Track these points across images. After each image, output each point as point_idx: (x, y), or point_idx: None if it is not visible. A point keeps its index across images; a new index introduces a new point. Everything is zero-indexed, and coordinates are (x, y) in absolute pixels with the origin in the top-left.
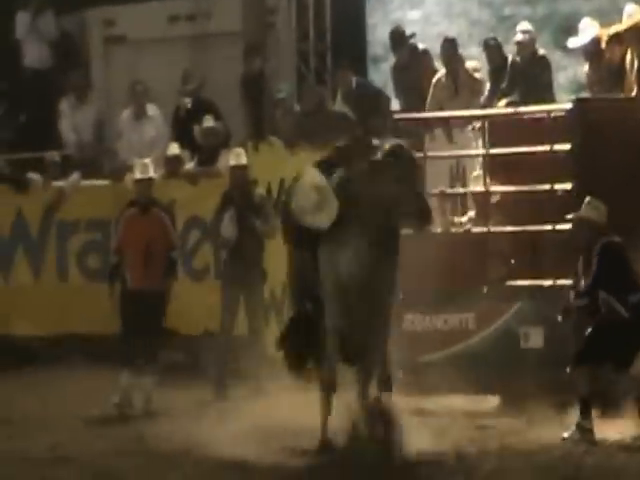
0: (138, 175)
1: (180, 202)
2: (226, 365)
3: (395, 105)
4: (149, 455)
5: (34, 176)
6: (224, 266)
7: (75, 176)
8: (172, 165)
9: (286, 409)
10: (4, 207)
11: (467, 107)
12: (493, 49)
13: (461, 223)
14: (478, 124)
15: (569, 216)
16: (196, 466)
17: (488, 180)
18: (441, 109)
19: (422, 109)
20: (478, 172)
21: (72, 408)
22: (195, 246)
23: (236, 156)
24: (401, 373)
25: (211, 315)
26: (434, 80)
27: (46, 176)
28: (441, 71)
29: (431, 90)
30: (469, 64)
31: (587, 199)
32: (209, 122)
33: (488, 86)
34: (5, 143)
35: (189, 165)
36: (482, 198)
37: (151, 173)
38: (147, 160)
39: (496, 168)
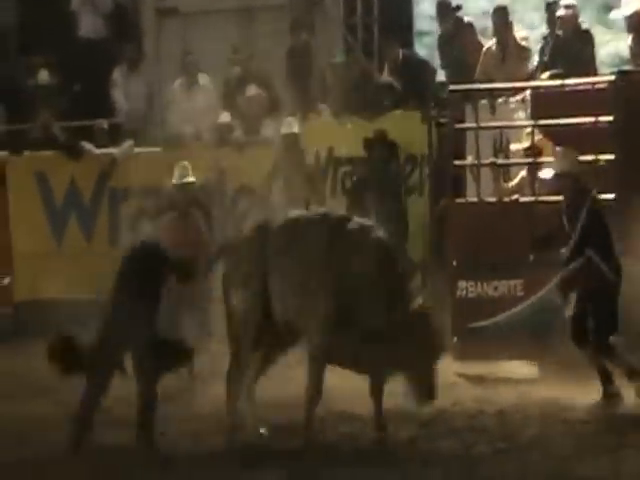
0: (177, 179)
1: (229, 170)
2: None
3: (440, 77)
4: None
5: (87, 144)
6: None
7: (127, 144)
8: (222, 134)
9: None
10: (58, 174)
11: (514, 76)
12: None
13: (509, 189)
14: (524, 95)
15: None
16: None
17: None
18: (489, 78)
19: (466, 81)
20: (524, 142)
21: None
22: (244, 214)
23: (288, 125)
24: (454, 339)
25: None
26: (484, 49)
27: (97, 144)
28: (491, 40)
29: (481, 59)
30: (518, 33)
31: (559, 150)
32: (253, 91)
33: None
34: (60, 111)
35: (238, 134)
36: (530, 168)
37: (191, 177)
38: (186, 163)
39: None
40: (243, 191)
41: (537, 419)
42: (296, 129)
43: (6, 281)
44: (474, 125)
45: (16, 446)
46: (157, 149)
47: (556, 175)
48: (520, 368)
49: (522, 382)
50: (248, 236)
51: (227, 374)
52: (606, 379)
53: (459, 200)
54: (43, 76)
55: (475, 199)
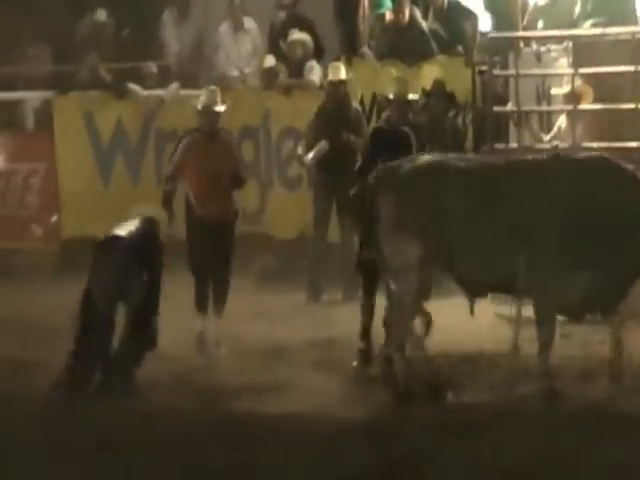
0: (203, 103)
1: (275, 113)
2: (320, 270)
3: (485, 25)
4: (244, 354)
5: (133, 85)
6: (315, 176)
7: (174, 86)
8: (267, 77)
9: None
10: (105, 115)
11: (559, 26)
12: None
13: (548, 140)
14: (566, 44)
15: None
16: (288, 366)
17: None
18: (533, 26)
19: (510, 29)
20: (564, 89)
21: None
22: (289, 156)
23: (334, 70)
24: None
25: (306, 221)
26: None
27: (144, 86)
28: None
29: (529, 8)
30: None
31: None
32: (296, 35)
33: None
34: (109, 53)
35: (283, 77)
36: (570, 115)
37: (219, 106)
38: (214, 88)
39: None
40: (287, 133)
41: (578, 359)
42: (343, 74)
43: (53, 219)
44: (512, 72)
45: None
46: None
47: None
48: None
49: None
50: (422, 175)
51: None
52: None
53: (498, 146)
54: (101, 15)
55: (515, 145)
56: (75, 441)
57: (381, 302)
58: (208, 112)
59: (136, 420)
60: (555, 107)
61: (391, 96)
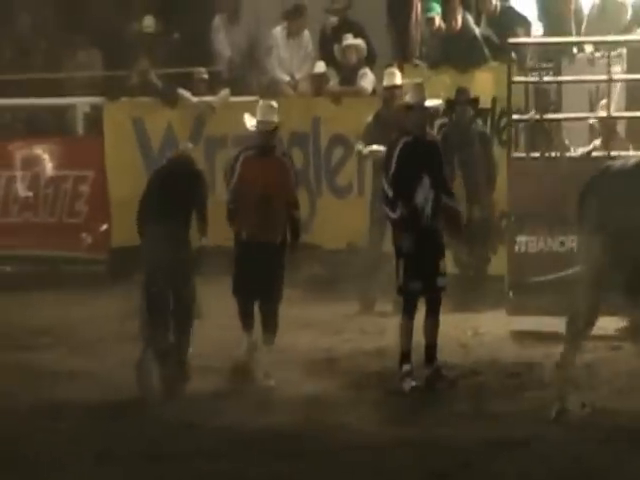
0: (259, 121)
1: (324, 119)
2: (373, 280)
3: (537, 30)
4: (291, 365)
5: (183, 91)
6: (373, 181)
7: (224, 92)
8: (318, 83)
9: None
10: (155, 120)
11: (610, 30)
12: None
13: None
14: (620, 50)
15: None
16: (337, 378)
17: (613, 106)
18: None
19: (562, 34)
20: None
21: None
22: (338, 163)
23: (390, 76)
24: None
25: (355, 230)
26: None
27: (194, 92)
28: None
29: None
30: None
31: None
32: (349, 40)
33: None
34: (159, 59)
35: (333, 83)
36: (606, 123)
37: (275, 118)
38: (274, 103)
39: (636, 93)
40: (337, 140)
41: (624, 372)
42: (398, 80)
43: (103, 228)
44: (559, 79)
45: (114, 389)
46: (254, 98)
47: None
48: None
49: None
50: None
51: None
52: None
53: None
54: (148, 22)
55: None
56: (122, 450)
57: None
58: (263, 130)
59: (179, 430)
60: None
61: (410, 102)
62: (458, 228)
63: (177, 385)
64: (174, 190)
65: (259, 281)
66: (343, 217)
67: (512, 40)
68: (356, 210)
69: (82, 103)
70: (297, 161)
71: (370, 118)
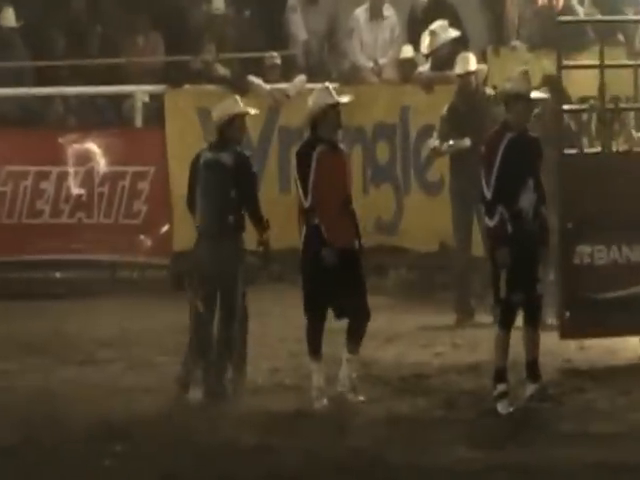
0: (331, 98)
1: (413, 109)
2: (468, 288)
3: None
4: (377, 382)
5: (254, 78)
6: (452, 181)
7: (299, 79)
8: (406, 69)
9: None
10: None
11: None
12: None
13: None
14: None
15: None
16: (427, 396)
17: None
18: None
19: None
20: None
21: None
22: (429, 157)
23: (463, 61)
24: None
25: (448, 230)
26: None
27: (266, 79)
28: None
29: None
30: None
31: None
32: (440, 22)
33: None
34: (227, 43)
35: (423, 69)
36: None
37: (336, 97)
38: (329, 85)
39: None
40: (427, 132)
41: None
42: (472, 66)
43: (164, 229)
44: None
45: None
46: (333, 85)
47: None
48: None
49: None
50: None
51: None
52: None
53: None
54: (218, 3)
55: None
56: (191, 475)
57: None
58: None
59: (254, 453)
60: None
61: (512, 92)
62: (546, 239)
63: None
64: (214, 183)
65: (343, 294)
66: (434, 216)
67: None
68: (448, 207)
69: (141, 92)
70: (382, 155)
71: (445, 110)
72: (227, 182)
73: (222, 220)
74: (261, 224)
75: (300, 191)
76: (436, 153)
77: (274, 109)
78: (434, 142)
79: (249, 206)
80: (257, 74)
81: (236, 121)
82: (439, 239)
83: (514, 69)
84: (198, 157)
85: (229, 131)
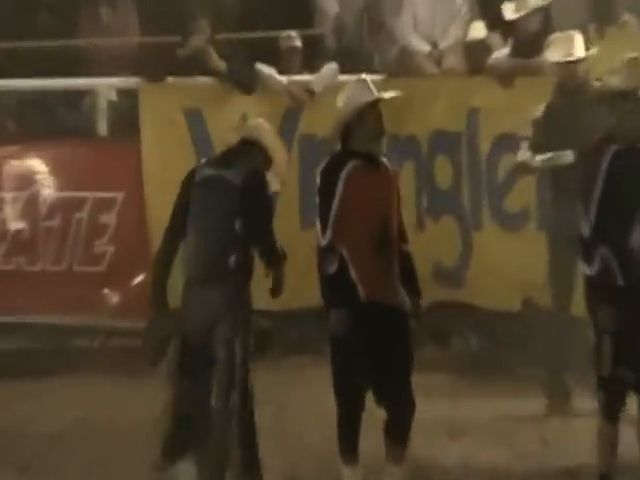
0: (370, 95)
1: (485, 110)
2: (562, 361)
3: None
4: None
5: (265, 69)
6: (549, 207)
7: (329, 68)
8: (476, 55)
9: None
10: (222, 113)
11: None
12: None
13: None
14: None
15: None
16: None
17: None
18: None
19: None
20: None
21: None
22: (508, 178)
23: (564, 44)
24: None
25: (534, 281)
26: None
27: (283, 69)
28: None
29: None
30: None
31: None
32: None
33: None
34: (228, 20)
35: (500, 55)
36: None
37: (376, 93)
38: (366, 78)
39: None
40: (506, 143)
41: None
42: (580, 51)
43: (138, 280)
44: None
45: None
46: (375, 77)
47: None
48: None
49: None
50: None
51: None
52: None
53: None
54: None
55: None
56: None
57: None
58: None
59: None
60: None
61: (618, 88)
62: None
63: None
64: (212, 210)
65: (381, 372)
66: (515, 260)
67: None
68: (536, 249)
69: (106, 86)
70: (443, 175)
71: (539, 112)
72: (231, 209)
73: (220, 262)
74: (278, 268)
75: (318, 224)
76: (525, 169)
77: (292, 111)
78: (523, 155)
79: (260, 243)
80: (269, 62)
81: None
82: (522, 293)
83: (622, 55)
84: (192, 174)
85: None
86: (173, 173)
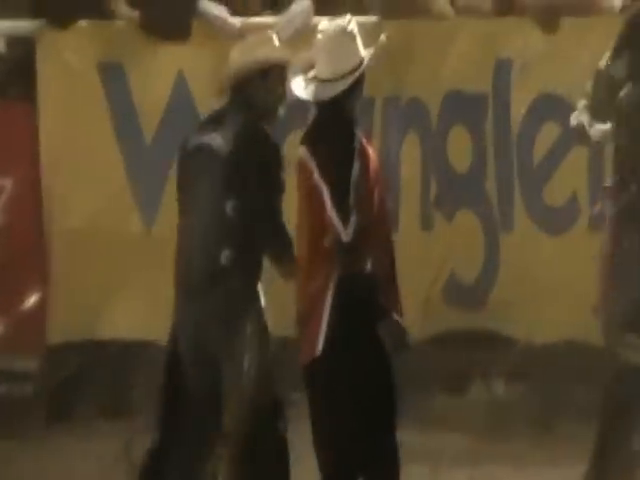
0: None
1: (520, 63)
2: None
3: None
4: None
5: (212, 7)
6: (609, 198)
7: (300, 4)
8: None
9: None
10: (150, 69)
11: None
12: None
13: None
14: None
15: None
16: None
17: None
18: None
19: None
20: None
21: None
22: (549, 155)
23: None
24: None
25: (582, 303)
26: None
27: (234, 7)
28: None
29: None
30: None
31: None
32: None
33: None
34: None
35: None
36: None
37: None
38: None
39: None
40: (548, 108)
41: None
42: None
43: (31, 302)
44: None
45: None
46: (366, 19)
47: None
48: None
49: None
50: None
51: None
52: None
53: None
54: None
55: None
56: None
57: None
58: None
59: None
60: None
61: None
62: None
63: None
64: (197, 188)
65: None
66: (561, 274)
67: None
68: (588, 256)
69: None
70: (459, 154)
71: (603, 62)
72: (218, 186)
73: (209, 259)
74: (288, 264)
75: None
76: (579, 138)
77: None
78: (579, 117)
79: (261, 230)
80: None
81: (271, 75)
82: (569, 322)
83: None
84: (184, 145)
85: (257, 92)
86: (82, 149)
